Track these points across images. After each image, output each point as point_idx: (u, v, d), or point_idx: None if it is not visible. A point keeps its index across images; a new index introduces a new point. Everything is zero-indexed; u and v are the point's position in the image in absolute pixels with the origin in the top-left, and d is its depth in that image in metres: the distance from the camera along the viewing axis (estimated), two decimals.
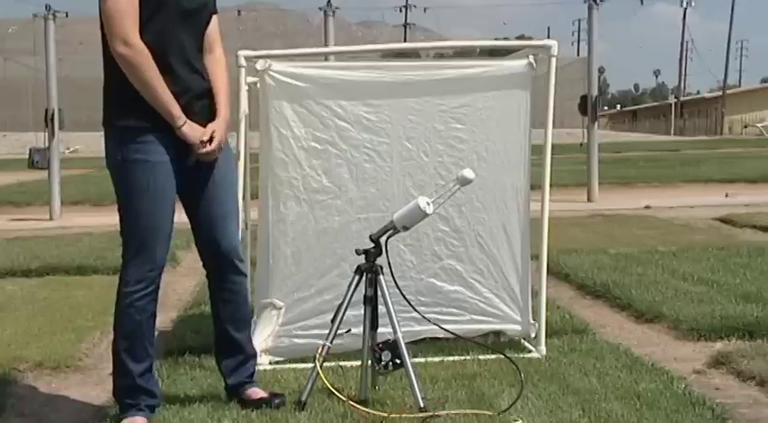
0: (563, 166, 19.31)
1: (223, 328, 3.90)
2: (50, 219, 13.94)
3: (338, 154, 4.63)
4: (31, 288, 7.21)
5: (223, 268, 3.82)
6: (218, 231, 3.77)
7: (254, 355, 4.01)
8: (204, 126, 3.63)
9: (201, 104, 3.66)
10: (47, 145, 14.12)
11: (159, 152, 3.54)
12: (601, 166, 15.25)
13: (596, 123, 14.90)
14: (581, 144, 14.98)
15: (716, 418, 3.68)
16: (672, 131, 66.63)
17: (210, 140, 3.62)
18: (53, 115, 13.85)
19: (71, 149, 36.05)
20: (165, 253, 3.69)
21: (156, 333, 3.86)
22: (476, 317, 4.89)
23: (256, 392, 3.90)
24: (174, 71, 3.56)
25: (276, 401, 3.82)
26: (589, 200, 14.56)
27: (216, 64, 3.75)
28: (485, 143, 4.78)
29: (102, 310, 6.18)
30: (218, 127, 3.65)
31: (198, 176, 3.70)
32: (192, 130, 3.58)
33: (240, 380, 3.92)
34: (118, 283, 3.67)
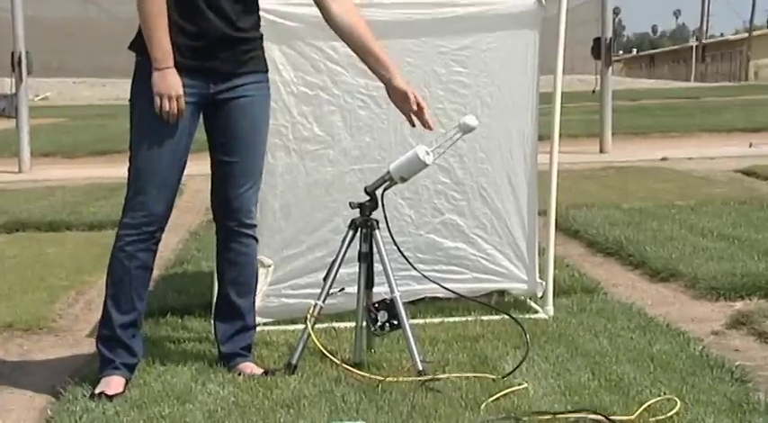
0: (574, 114, 19.33)
1: (225, 292, 3.92)
2: (19, 171, 13.94)
3: (330, 100, 4.62)
4: (0, 245, 7.23)
5: (231, 228, 3.84)
6: (231, 188, 3.78)
7: (254, 327, 4.02)
8: (229, 73, 3.65)
9: (230, 53, 3.65)
10: (14, 91, 14.06)
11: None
12: (614, 115, 15.25)
13: (610, 69, 14.86)
14: (593, 91, 14.95)
15: (735, 380, 3.72)
16: (692, 77, 66.43)
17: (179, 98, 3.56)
18: (20, 59, 13.77)
19: (41, 97, 35.88)
20: (166, 203, 3.69)
21: None
22: (478, 275, 4.92)
23: (250, 367, 3.90)
24: (199, 11, 3.56)
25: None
26: (601, 151, 14.58)
27: (345, 12, 3.78)
28: (489, 88, 4.77)
29: (76, 269, 6.22)
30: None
31: (227, 121, 3.71)
32: (162, 80, 3.54)
33: (235, 350, 3.93)
34: None
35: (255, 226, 3.90)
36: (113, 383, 3.67)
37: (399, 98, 3.81)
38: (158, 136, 3.61)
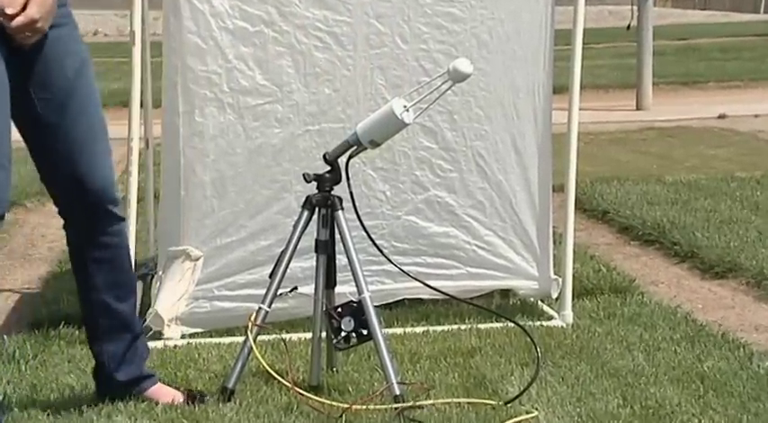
0: (603, 59, 19.36)
1: (99, 301, 3.81)
2: None
3: (277, 38, 4.64)
4: None
5: (94, 216, 3.73)
6: (83, 162, 3.68)
7: (143, 332, 4.00)
8: None
9: None
10: None
11: None
12: (656, 60, 15.26)
13: None
14: (628, 27, 14.95)
15: None
16: (762, 8, 66.47)
17: (24, 8, 3.47)
18: None
19: None
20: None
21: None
22: (474, 270, 4.97)
23: (163, 393, 3.88)
24: None
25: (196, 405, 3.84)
26: (639, 107, 14.61)
27: None
28: (488, 23, 4.80)
29: None
30: None
31: (36, 78, 3.60)
32: None
33: (137, 373, 3.89)
34: None
35: (119, 202, 3.84)
36: None
37: None
38: None
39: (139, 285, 5.14)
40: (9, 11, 3.36)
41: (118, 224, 3.83)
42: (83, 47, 3.70)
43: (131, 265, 3.98)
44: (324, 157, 3.95)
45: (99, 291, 3.84)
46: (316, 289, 3.98)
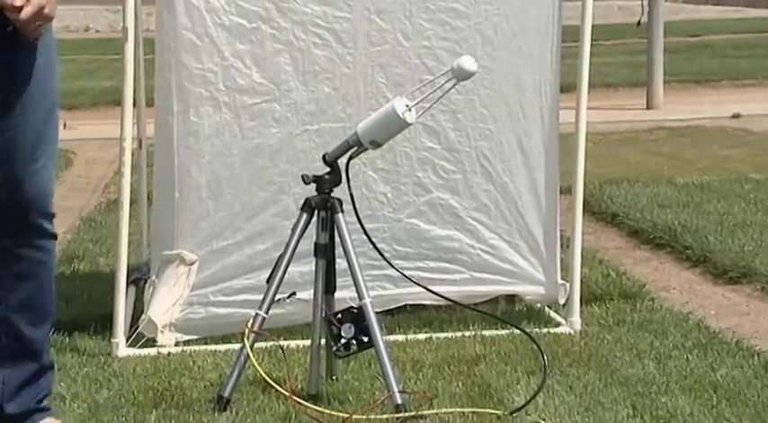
0: (612, 56, 19.36)
1: (7, 320, 3.61)
2: None
3: (275, 35, 4.64)
4: None
5: (21, 227, 3.62)
6: (15, 169, 3.60)
7: (53, 367, 3.80)
8: None
9: None
10: None
11: None
12: (668, 57, 15.28)
13: None
14: (638, 23, 14.96)
15: None
16: None
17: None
18: None
19: None
20: None
21: None
22: (478, 274, 4.97)
23: None
24: None
25: None
26: (649, 106, 14.62)
27: None
28: (492, 19, 4.80)
29: None
30: None
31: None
32: None
33: (29, 406, 3.67)
34: None
35: (54, 215, 3.66)
36: None
37: None
38: None
39: (132, 290, 5.18)
40: (17, 2, 3.35)
41: (47, 240, 3.65)
42: (51, 48, 3.58)
43: (53, 292, 3.74)
44: (323, 157, 3.96)
45: (12, 308, 3.61)
46: (315, 294, 3.98)
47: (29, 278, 3.60)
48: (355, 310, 3.85)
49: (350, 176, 3.92)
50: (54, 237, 3.68)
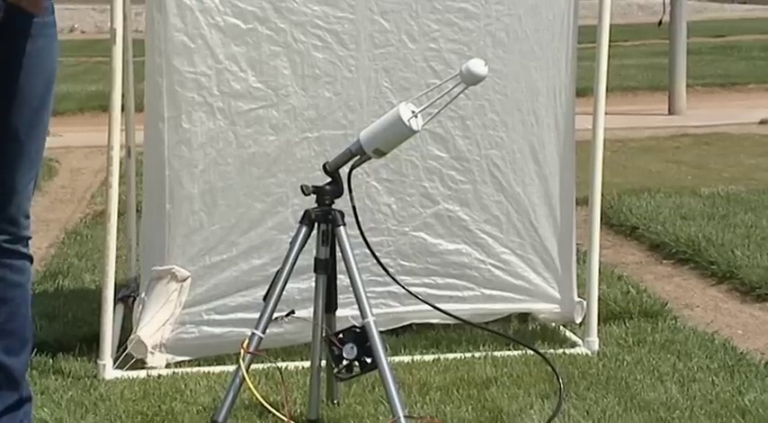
0: (632, 58, 19.35)
1: None
2: None
3: (272, 36, 4.66)
4: None
5: None
6: (5, 179, 3.59)
7: (30, 399, 3.76)
8: None
9: None
10: None
11: None
12: (691, 59, 15.28)
13: None
14: (660, 23, 14.97)
15: None
16: None
17: None
18: None
19: None
20: None
21: None
22: (489, 291, 4.98)
23: None
24: None
25: None
26: (672, 112, 14.63)
27: None
28: (504, 19, 4.82)
29: None
30: None
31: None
32: None
33: None
34: None
35: (30, 236, 3.63)
36: None
37: None
38: None
39: (120, 308, 5.18)
40: None
41: (24, 262, 3.62)
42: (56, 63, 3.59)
43: (30, 317, 3.69)
44: (324, 167, 3.96)
45: None
46: (315, 313, 3.98)
47: (5, 301, 3.56)
48: (358, 330, 3.85)
49: (352, 187, 3.93)
50: (28, 258, 3.63)
